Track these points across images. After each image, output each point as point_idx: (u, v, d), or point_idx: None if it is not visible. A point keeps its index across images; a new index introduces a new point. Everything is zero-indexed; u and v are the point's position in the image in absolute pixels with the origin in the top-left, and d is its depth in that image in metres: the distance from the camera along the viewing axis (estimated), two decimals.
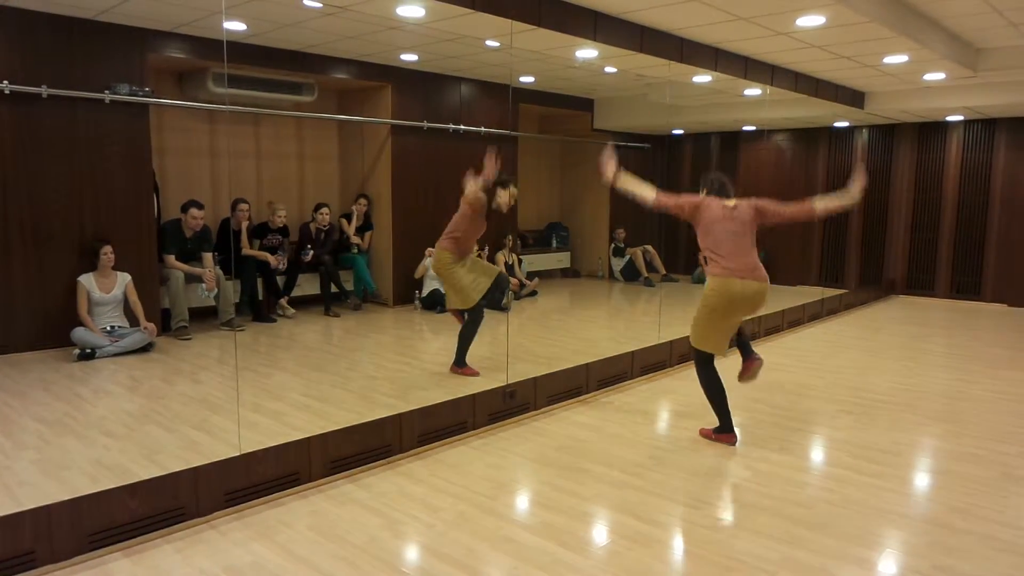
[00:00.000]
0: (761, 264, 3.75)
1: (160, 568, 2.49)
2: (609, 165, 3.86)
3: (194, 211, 6.17)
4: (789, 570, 2.51)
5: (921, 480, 3.40)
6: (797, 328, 7.15)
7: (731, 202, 3.79)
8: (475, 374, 4.84)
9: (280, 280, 7.05)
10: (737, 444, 3.77)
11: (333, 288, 7.30)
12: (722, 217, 3.73)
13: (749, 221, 3.74)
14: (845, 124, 9.60)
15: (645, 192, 3.82)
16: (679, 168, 11.28)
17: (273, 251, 6.96)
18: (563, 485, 3.23)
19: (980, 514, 2.97)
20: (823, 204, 3.88)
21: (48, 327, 5.47)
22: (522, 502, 3.10)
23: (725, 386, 3.83)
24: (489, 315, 5.01)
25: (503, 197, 4.88)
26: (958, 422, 4.21)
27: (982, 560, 2.59)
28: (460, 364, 4.92)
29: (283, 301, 7.05)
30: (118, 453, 3.44)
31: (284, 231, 7.09)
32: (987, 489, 3.23)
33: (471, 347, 4.93)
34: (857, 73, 6.91)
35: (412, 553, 2.64)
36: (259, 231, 7.01)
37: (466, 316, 4.93)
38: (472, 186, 4.75)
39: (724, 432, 3.80)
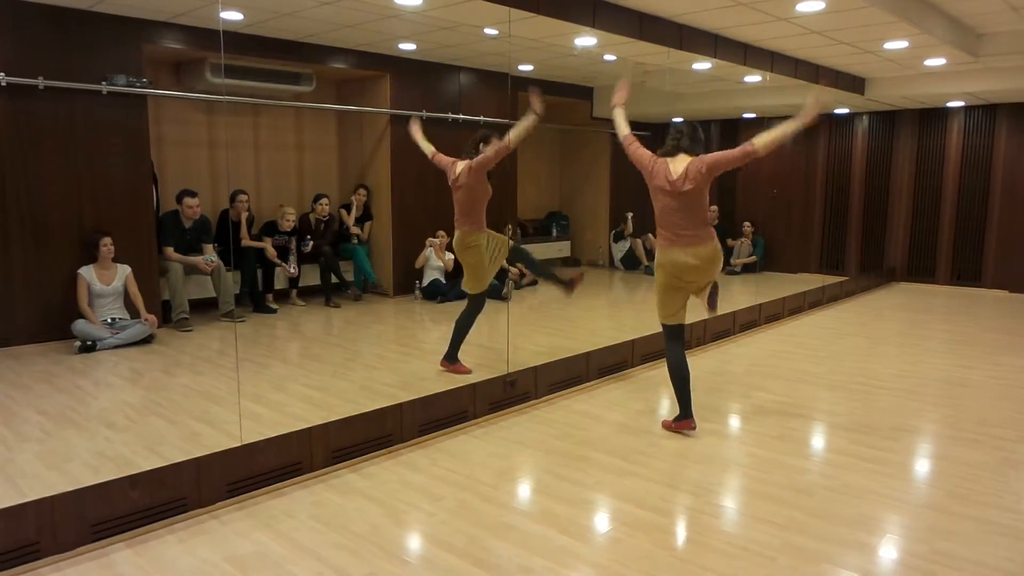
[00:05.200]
0: (709, 228, 3.67)
1: (163, 558, 2.50)
2: (622, 93, 3.94)
3: (188, 200, 6.16)
4: (790, 556, 2.52)
5: (921, 466, 3.41)
6: (798, 315, 7.16)
7: (676, 171, 3.58)
8: (467, 371, 4.62)
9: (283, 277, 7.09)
10: (695, 430, 3.72)
11: (333, 279, 7.31)
12: (664, 191, 3.63)
13: (695, 192, 3.55)
14: (845, 111, 9.56)
15: (623, 128, 3.88)
16: None
17: (284, 252, 6.96)
18: (564, 473, 3.24)
19: (979, 499, 2.98)
20: (763, 140, 3.48)
21: (49, 319, 5.47)
22: (523, 490, 3.11)
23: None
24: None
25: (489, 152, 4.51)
26: (958, 408, 4.21)
27: (981, 545, 2.61)
28: (452, 359, 4.70)
29: (293, 293, 7.11)
30: (120, 445, 3.45)
31: (294, 232, 7.08)
32: (986, 474, 3.24)
33: (464, 344, 4.81)
34: (857, 59, 6.88)
35: (414, 542, 2.65)
36: (268, 230, 7.00)
37: (467, 303, 4.76)
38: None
39: (684, 419, 3.73)
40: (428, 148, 4.96)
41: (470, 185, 4.56)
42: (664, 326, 3.83)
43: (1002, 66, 7.03)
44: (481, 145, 4.62)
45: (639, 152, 3.79)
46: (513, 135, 4.32)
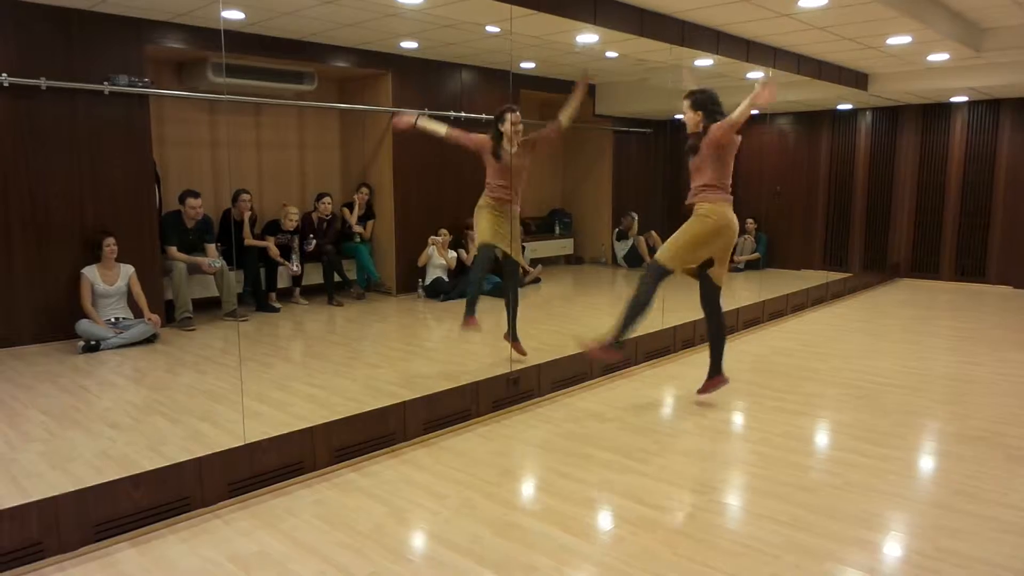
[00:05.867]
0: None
1: (166, 558, 2.50)
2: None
3: (191, 200, 6.17)
4: (794, 554, 2.51)
5: (925, 463, 3.40)
6: (801, 312, 7.14)
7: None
8: (475, 325, 4.63)
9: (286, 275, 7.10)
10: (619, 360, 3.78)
11: (336, 277, 7.31)
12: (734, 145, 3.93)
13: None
14: (848, 107, 9.53)
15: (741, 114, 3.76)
16: (681, 153, 11.22)
17: (286, 251, 6.97)
18: (567, 471, 3.24)
19: (984, 496, 2.97)
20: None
21: (52, 320, 5.48)
22: (527, 488, 3.10)
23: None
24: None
25: (505, 128, 4.63)
26: (962, 404, 4.20)
27: (986, 542, 2.59)
28: (469, 313, 4.67)
29: (296, 292, 7.13)
30: (123, 444, 3.46)
31: (296, 231, 7.08)
32: (991, 471, 3.23)
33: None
34: (860, 55, 6.85)
35: (418, 540, 2.64)
36: (270, 229, 7.01)
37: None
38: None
39: (610, 349, 3.86)
40: (441, 129, 4.78)
41: (519, 163, 4.66)
42: (661, 267, 3.86)
43: (1006, 61, 7.00)
44: (499, 125, 4.66)
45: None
46: (564, 117, 4.59)
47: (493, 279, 6.75)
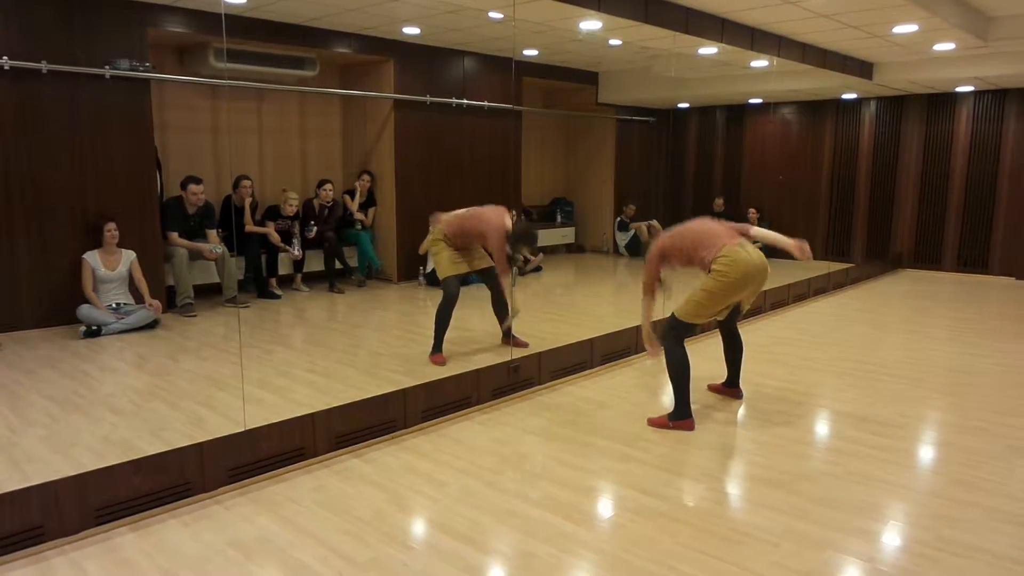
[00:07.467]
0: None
1: (166, 542, 2.51)
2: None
3: (193, 187, 6.15)
4: (793, 542, 2.52)
5: (925, 453, 3.40)
6: (803, 302, 7.13)
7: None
8: (442, 362, 4.60)
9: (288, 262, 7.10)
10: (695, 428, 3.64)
11: (337, 265, 7.30)
12: None
13: None
14: (853, 96, 9.48)
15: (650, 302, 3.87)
16: (684, 142, 11.19)
17: (287, 236, 6.95)
18: (568, 459, 3.24)
19: (984, 486, 2.97)
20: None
21: (54, 305, 5.48)
22: (527, 476, 3.11)
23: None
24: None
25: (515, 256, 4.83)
26: (963, 395, 4.20)
27: (985, 532, 2.60)
28: (437, 350, 4.69)
29: (298, 278, 7.13)
30: (125, 429, 3.46)
31: (296, 217, 7.07)
32: (991, 461, 3.23)
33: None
34: (866, 43, 6.80)
35: (418, 527, 2.65)
36: (271, 214, 6.99)
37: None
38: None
39: (684, 418, 3.63)
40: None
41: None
42: (685, 325, 3.65)
43: (1012, 50, 6.95)
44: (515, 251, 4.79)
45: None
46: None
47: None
